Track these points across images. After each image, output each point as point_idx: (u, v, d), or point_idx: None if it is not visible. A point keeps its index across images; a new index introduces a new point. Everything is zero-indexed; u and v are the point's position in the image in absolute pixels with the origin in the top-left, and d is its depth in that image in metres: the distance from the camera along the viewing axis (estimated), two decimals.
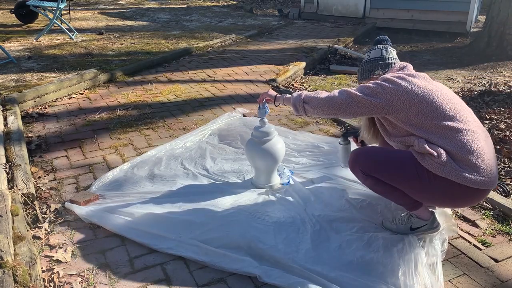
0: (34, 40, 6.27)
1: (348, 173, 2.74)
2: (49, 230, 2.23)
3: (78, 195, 2.49)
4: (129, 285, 1.89)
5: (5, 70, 4.79)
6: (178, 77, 4.98)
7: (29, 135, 3.35)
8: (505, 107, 4.22)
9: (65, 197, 2.53)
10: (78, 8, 9.86)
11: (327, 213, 2.33)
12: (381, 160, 2.05)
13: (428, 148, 1.88)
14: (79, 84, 4.41)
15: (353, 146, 2.56)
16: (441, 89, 2.04)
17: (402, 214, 2.21)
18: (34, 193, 2.43)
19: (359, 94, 2.01)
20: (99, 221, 2.25)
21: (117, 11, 9.79)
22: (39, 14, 7.25)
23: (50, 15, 6.52)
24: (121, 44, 6.31)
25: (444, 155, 1.87)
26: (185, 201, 2.44)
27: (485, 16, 7.51)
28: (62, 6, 6.50)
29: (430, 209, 2.18)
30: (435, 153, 1.87)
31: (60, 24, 6.68)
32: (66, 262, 2.01)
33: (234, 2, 12.02)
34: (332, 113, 2.09)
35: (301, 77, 5.41)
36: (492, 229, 2.31)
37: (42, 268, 1.95)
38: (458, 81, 5.37)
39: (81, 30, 7.16)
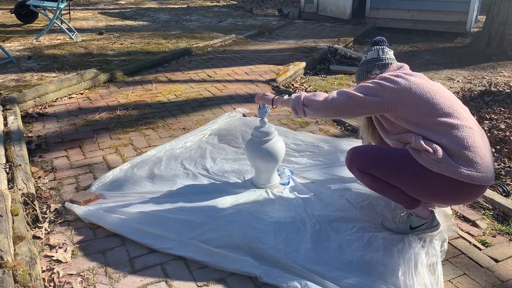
0: (34, 40, 6.27)
1: (348, 173, 2.73)
2: (49, 230, 2.23)
3: (78, 195, 2.49)
4: (129, 285, 1.89)
5: (5, 70, 4.79)
6: (178, 77, 4.99)
7: (29, 135, 3.35)
8: (505, 107, 4.22)
9: (65, 197, 2.53)
10: (78, 8, 9.86)
11: (327, 213, 2.33)
12: (377, 157, 2.06)
13: (424, 145, 1.90)
14: (79, 84, 4.41)
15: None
16: (438, 87, 2.07)
17: (402, 214, 2.22)
18: (34, 193, 2.43)
19: (359, 94, 2.03)
20: (99, 221, 2.25)
21: (117, 11, 9.79)
22: (39, 14, 7.26)
23: (50, 15, 6.52)
24: (121, 44, 6.31)
25: (440, 151, 1.88)
26: (185, 201, 2.44)
27: (485, 16, 7.51)
28: (62, 6, 6.50)
29: (430, 208, 2.18)
30: (431, 150, 1.88)
31: (60, 24, 6.68)
32: (66, 262, 2.01)
33: (234, 2, 12.02)
34: (333, 114, 2.11)
35: (301, 77, 5.41)
36: (492, 229, 2.31)
37: (42, 268, 1.95)
38: (458, 81, 5.37)
39: (81, 30, 7.16)
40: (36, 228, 2.23)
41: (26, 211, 2.28)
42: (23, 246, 1.96)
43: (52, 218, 2.32)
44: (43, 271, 1.93)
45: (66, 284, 1.88)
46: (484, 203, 2.51)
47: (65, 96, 4.22)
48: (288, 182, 2.65)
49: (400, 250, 2.03)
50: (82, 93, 4.34)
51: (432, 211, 2.16)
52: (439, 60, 6.45)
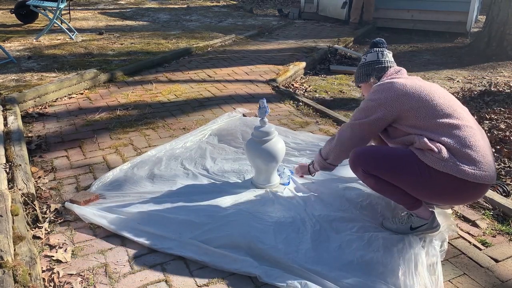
0: (34, 40, 6.27)
1: (348, 173, 2.74)
2: (49, 230, 2.23)
3: (78, 195, 2.49)
4: (129, 285, 1.89)
5: (5, 70, 4.79)
6: (178, 77, 4.99)
7: (29, 135, 3.35)
8: (505, 107, 4.22)
9: (65, 197, 2.53)
10: (78, 8, 9.86)
11: (327, 213, 2.33)
12: (381, 158, 2.06)
13: (429, 144, 1.91)
14: (79, 84, 4.41)
15: None
16: (436, 88, 2.08)
17: (402, 214, 2.22)
18: (34, 193, 2.43)
19: (359, 121, 2.11)
20: (99, 221, 2.25)
21: (117, 11, 9.79)
22: (39, 14, 7.25)
23: (50, 15, 6.52)
24: (121, 44, 6.31)
25: (444, 150, 1.89)
26: (185, 201, 2.44)
27: (485, 16, 7.51)
28: (62, 6, 6.50)
29: (430, 209, 2.18)
30: (435, 149, 1.90)
31: (60, 24, 6.68)
32: (66, 262, 2.01)
33: (234, 2, 12.02)
34: (351, 148, 2.17)
35: (301, 77, 5.41)
36: (492, 229, 2.31)
37: (42, 268, 1.95)
38: (458, 81, 5.37)
39: (81, 30, 7.16)
40: (36, 228, 2.23)
41: (26, 211, 2.28)
42: (23, 246, 1.96)
43: (52, 218, 2.32)
44: (43, 271, 1.93)
45: (66, 284, 1.88)
46: (484, 203, 2.51)
47: (65, 96, 4.22)
48: (288, 183, 2.65)
49: (400, 250, 2.03)
50: (82, 93, 4.34)
51: (433, 212, 2.16)
52: (439, 60, 6.45)
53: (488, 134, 3.59)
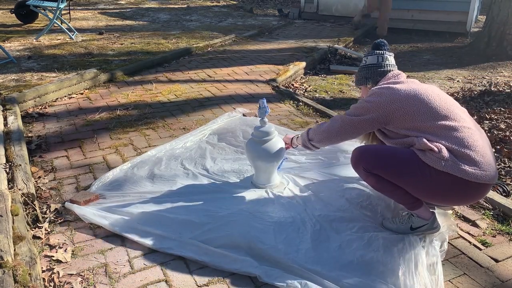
0: (34, 40, 6.27)
1: (348, 173, 2.74)
2: (49, 230, 2.23)
3: (78, 195, 2.49)
4: (129, 285, 1.89)
5: (5, 70, 4.79)
6: (178, 77, 4.99)
7: (29, 135, 3.35)
8: (505, 107, 4.22)
9: (65, 197, 2.53)
10: (78, 8, 9.86)
11: (327, 213, 2.33)
12: (383, 156, 2.07)
13: (429, 144, 1.92)
14: (79, 84, 4.41)
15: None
16: (433, 90, 2.10)
17: (403, 214, 2.22)
18: (34, 193, 2.43)
19: (351, 117, 2.14)
20: (99, 221, 2.25)
21: (117, 11, 9.79)
22: (39, 14, 7.25)
23: (50, 15, 6.52)
24: (121, 44, 6.31)
25: (444, 149, 1.91)
26: (185, 201, 2.44)
27: (485, 16, 7.51)
28: (62, 6, 6.50)
29: (431, 210, 2.18)
30: (435, 148, 1.91)
31: (60, 24, 6.68)
32: (66, 262, 2.01)
33: (234, 2, 12.02)
34: (335, 140, 2.25)
35: (301, 77, 5.41)
36: (492, 229, 2.31)
37: (42, 268, 1.95)
38: (458, 81, 5.37)
39: (81, 30, 7.16)
40: (36, 228, 2.23)
41: (26, 211, 2.28)
42: (23, 246, 1.96)
43: (52, 218, 2.32)
44: (43, 271, 1.93)
45: (66, 284, 1.88)
46: (484, 203, 2.51)
47: (65, 96, 4.22)
48: (282, 162, 2.73)
49: (400, 250, 2.03)
50: (82, 93, 4.34)
51: (433, 213, 2.17)
52: (439, 60, 6.45)
53: (488, 134, 3.59)
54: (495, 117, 3.96)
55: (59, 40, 6.38)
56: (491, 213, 2.44)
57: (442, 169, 1.89)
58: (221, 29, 7.83)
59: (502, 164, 3.14)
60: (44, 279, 1.88)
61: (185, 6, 10.95)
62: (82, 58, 5.42)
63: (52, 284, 1.87)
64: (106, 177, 2.69)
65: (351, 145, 3.13)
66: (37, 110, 3.87)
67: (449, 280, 1.95)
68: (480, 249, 2.16)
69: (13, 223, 2.09)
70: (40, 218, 2.29)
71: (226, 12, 10.27)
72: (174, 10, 10.27)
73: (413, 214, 2.15)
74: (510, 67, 6.08)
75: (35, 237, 2.16)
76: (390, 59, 2.33)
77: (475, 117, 3.99)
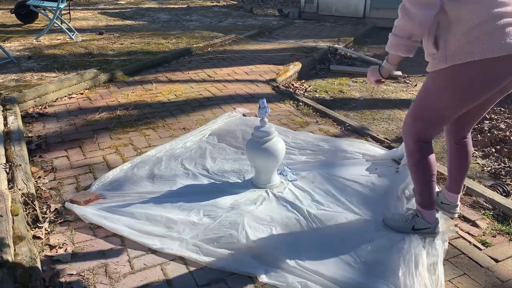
0: (34, 40, 6.27)
1: (348, 173, 2.74)
2: (49, 230, 2.23)
3: (78, 195, 2.49)
4: (129, 285, 1.89)
5: (5, 70, 4.79)
6: (178, 77, 4.98)
7: (29, 135, 3.35)
8: (505, 107, 4.22)
9: (65, 197, 2.53)
10: (78, 8, 9.86)
11: (327, 213, 2.33)
12: (416, 106, 2.06)
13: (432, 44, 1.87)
14: (79, 84, 4.41)
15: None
16: None
17: (407, 212, 2.22)
18: (34, 193, 2.43)
19: None
20: (99, 221, 2.25)
21: (117, 11, 9.79)
22: (39, 14, 7.25)
23: (50, 15, 6.52)
24: (121, 44, 6.31)
25: (442, 47, 1.84)
26: (185, 201, 2.44)
27: None
28: (62, 6, 6.50)
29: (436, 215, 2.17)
30: (434, 50, 1.87)
31: (60, 24, 6.68)
32: (66, 262, 2.01)
33: (234, 2, 12.02)
34: (412, 29, 1.91)
35: (301, 77, 5.41)
36: (492, 229, 2.31)
37: (42, 268, 1.95)
38: None
39: (81, 30, 7.16)
40: (36, 228, 2.23)
41: (26, 211, 2.28)
42: (23, 246, 1.96)
43: (52, 218, 2.32)
44: (43, 271, 1.93)
45: (66, 284, 1.88)
46: (484, 203, 2.51)
47: (65, 96, 4.22)
48: (296, 179, 2.66)
49: (400, 250, 2.03)
50: (82, 93, 4.34)
51: (437, 218, 2.16)
52: None
53: (488, 134, 3.59)
54: (495, 117, 3.96)
55: (59, 40, 6.38)
56: (491, 213, 2.44)
57: (446, 64, 1.83)
58: (221, 29, 7.83)
59: (502, 164, 3.14)
60: (44, 279, 1.88)
61: (185, 6, 10.94)
62: (82, 58, 5.41)
63: (52, 284, 1.87)
64: (106, 177, 2.69)
65: (351, 145, 3.14)
66: (37, 110, 3.87)
67: (449, 280, 1.95)
68: (480, 249, 2.16)
69: (13, 223, 2.08)
70: (40, 218, 2.29)
71: (226, 12, 10.27)
72: (174, 10, 10.27)
73: (418, 214, 2.14)
74: None
75: (35, 237, 2.16)
76: None
77: None
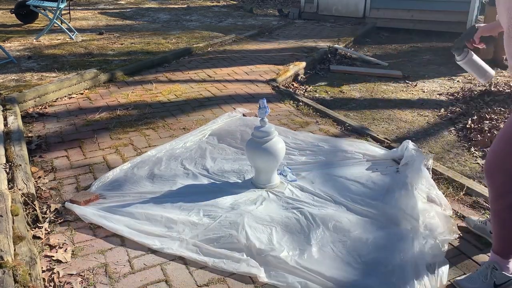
0: (34, 40, 6.27)
1: (348, 173, 2.74)
2: (49, 230, 2.23)
3: (78, 195, 2.49)
4: (129, 285, 1.89)
5: (5, 70, 4.79)
6: (178, 77, 4.98)
7: (29, 135, 3.35)
8: (505, 107, 4.22)
9: (65, 197, 2.53)
10: (78, 8, 9.86)
11: (328, 213, 2.33)
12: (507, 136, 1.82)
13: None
14: (79, 84, 4.41)
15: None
16: None
17: (482, 268, 1.92)
18: (34, 193, 2.43)
19: None
20: (99, 221, 2.25)
21: (117, 11, 9.79)
22: (39, 14, 7.25)
23: (50, 15, 6.52)
24: (121, 44, 6.30)
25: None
26: (185, 201, 2.44)
27: (484, 16, 7.50)
28: (62, 6, 6.50)
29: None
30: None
31: (60, 24, 6.67)
32: (66, 262, 2.01)
33: (234, 2, 12.02)
34: None
35: (301, 77, 5.40)
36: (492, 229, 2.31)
37: (42, 268, 1.95)
38: (458, 81, 5.37)
39: (81, 30, 7.16)
40: (36, 228, 2.23)
41: (26, 211, 2.28)
42: (23, 246, 1.96)
43: (52, 218, 2.32)
44: (43, 271, 1.93)
45: (66, 284, 1.88)
46: (484, 203, 2.51)
47: (65, 96, 4.22)
48: (296, 179, 2.66)
49: (401, 250, 2.03)
50: (82, 93, 4.34)
51: None
52: (439, 60, 6.44)
53: (488, 134, 3.59)
54: (495, 117, 3.96)
55: (59, 40, 6.38)
56: None
57: None
58: (221, 29, 7.83)
59: None
60: (44, 279, 1.88)
61: (185, 6, 10.94)
62: (82, 58, 5.41)
63: (52, 284, 1.87)
64: (106, 177, 2.68)
65: (351, 145, 3.14)
66: (37, 110, 3.87)
67: (449, 280, 1.95)
68: (480, 249, 2.16)
69: (13, 223, 2.08)
70: (40, 218, 2.29)
71: (226, 12, 10.27)
72: (174, 10, 10.26)
73: (496, 267, 1.86)
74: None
75: (35, 237, 2.16)
76: None
77: (475, 117, 3.99)
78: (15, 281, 1.73)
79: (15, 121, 3.32)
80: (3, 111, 3.51)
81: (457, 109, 4.31)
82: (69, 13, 8.09)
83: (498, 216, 1.84)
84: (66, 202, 2.43)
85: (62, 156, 3.04)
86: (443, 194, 2.54)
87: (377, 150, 3.07)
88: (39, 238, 2.16)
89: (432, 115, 4.22)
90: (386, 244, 2.08)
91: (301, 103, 4.16)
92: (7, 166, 2.64)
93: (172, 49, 6.03)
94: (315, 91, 4.90)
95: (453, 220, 2.36)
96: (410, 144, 2.91)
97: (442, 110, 4.33)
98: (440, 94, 4.86)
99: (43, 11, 6.81)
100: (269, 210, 2.37)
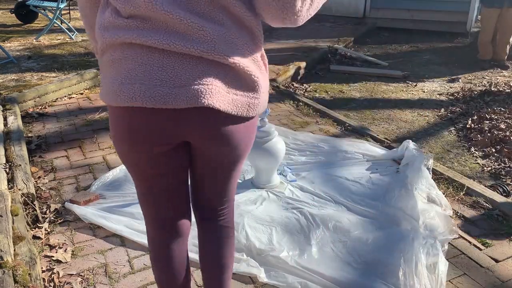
0: (34, 40, 6.27)
1: (348, 173, 2.74)
2: (49, 230, 2.23)
3: (78, 195, 2.49)
4: (129, 285, 1.89)
5: (5, 70, 4.79)
6: None
7: (29, 135, 3.35)
8: (505, 107, 4.22)
9: (65, 197, 2.53)
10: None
11: (328, 213, 2.33)
12: None
13: None
14: (79, 84, 4.41)
15: None
16: None
17: None
18: (34, 193, 2.43)
19: None
20: (99, 221, 2.25)
21: None
22: (39, 14, 7.25)
23: (50, 15, 6.52)
24: None
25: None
26: None
27: None
28: (62, 6, 6.50)
29: None
30: None
31: (60, 24, 6.67)
32: (66, 262, 2.01)
33: None
34: None
35: (301, 77, 5.40)
36: (492, 229, 2.31)
37: (42, 268, 1.95)
38: (458, 81, 5.37)
39: (81, 30, 7.15)
40: (36, 228, 2.23)
41: (26, 211, 2.28)
42: (23, 246, 1.96)
43: (52, 218, 2.32)
44: (43, 271, 1.93)
45: (66, 284, 1.88)
46: (484, 203, 2.51)
47: (65, 96, 4.22)
48: (296, 179, 2.66)
49: (401, 250, 2.03)
50: (82, 93, 4.34)
51: None
52: (439, 60, 6.44)
53: (488, 134, 3.59)
54: (495, 117, 3.96)
55: (59, 40, 6.38)
56: (491, 213, 2.44)
57: None
58: None
59: (502, 164, 3.14)
60: (44, 279, 1.88)
61: None
62: (82, 58, 5.41)
63: (52, 284, 1.87)
64: (106, 177, 2.68)
65: (351, 145, 3.14)
66: (37, 110, 3.87)
67: (449, 280, 1.95)
68: (480, 249, 2.16)
69: (13, 223, 2.08)
70: (40, 218, 2.29)
71: None
72: None
73: None
74: (510, 67, 6.07)
75: (35, 237, 2.16)
76: None
77: (475, 117, 3.99)
78: (15, 281, 1.73)
79: (15, 121, 3.32)
80: (3, 111, 3.51)
81: (457, 109, 4.31)
82: (69, 13, 8.09)
83: None
84: (66, 202, 2.43)
85: (62, 156, 3.04)
86: (443, 194, 2.54)
87: (377, 150, 3.07)
88: (39, 238, 2.16)
89: (432, 115, 4.22)
90: (386, 244, 2.08)
91: (301, 103, 4.16)
92: (7, 166, 2.64)
93: None
94: (315, 91, 4.89)
95: (453, 220, 2.36)
96: (410, 144, 2.91)
97: (442, 110, 4.33)
98: (440, 94, 4.86)
99: (43, 11, 6.81)
100: (269, 210, 2.37)
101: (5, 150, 2.86)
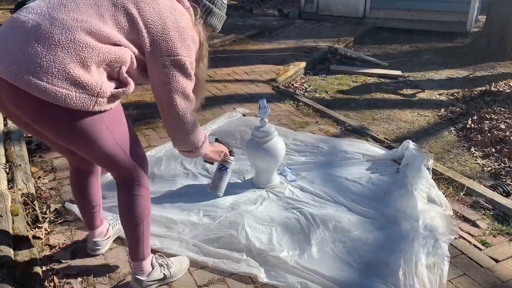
0: None
1: (348, 173, 2.74)
2: (49, 230, 2.23)
3: None
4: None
5: None
6: None
7: (29, 135, 3.35)
8: (505, 107, 4.22)
9: (65, 197, 2.53)
10: None
11: (327, 213, 2.33)
12: None
13: None
14: None
15: None
16: None
17: None
18: (34, 193, 2.43)
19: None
20: None
21: None
22: None
23: None
24: None
25: None
26: (185, 201, 2.43)
27: (485, 16, 7.51)
28: None
29: None
30: None
31: None
32: (66, 262, 2.01)
33: (234, 2, 12.01)
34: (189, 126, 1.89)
35: (301, 77, 5.41)
36: (492, 229, 2.31)
37: (42, 268, 1.95)
38: (458, 81, 5.37)
39: None
40: (36, 228, 2.23)
41: (26, 211, 2.27)
42: (23, 246, 1.96)
43: (52, 218, 2.32)
44: (43, 271, 1.93)
45: (66, 284, 1.88)
46: (484, 203, 2.51)
47: None
48: (295, 179, 2.66)
49: (401, 250, 2.02)
50: None
51: None
52: (439, 60, 6.45)
53: (488, 134, 3.59)
54: (495, 117, 3.96)
55: None
56: (491, 213, 2.44)
57: None
58: (221, 29, 7.82)
59: (502, 164, 3.15)
60: (44, 279, 1.88)
61: None
62: None
63: (52, 284, 1.87)
64: (106, 177, 2.68)
65: (351, 145, 3.14)
66: None
67: (449, 280, 1.95)
68: (480, 249, 2.16)
69: (13, 223, 2.08)
70: (40, 218, 2.29)
71: (226, 12, 10.26)
72: None
73: None
74: (510, 67, 6.07)
75: (35, 237, 2.16)
76: None
77: (475, 117, 3.99)
78: (15, 281, 1.73)
79: None
80: None
81: (457, 109, 4.31)
82: None
83: None
84: (66, 202, 2.42)
85: (62, 156, 3.03)
86: (443, 194, 2.54)
87: (377, 150, 3.07)
88: (39, 238, 2.16)
89: (432, 115, 4.22)
90: (386, 244, 2.08)
91: (301, 103, 4.16)
92: (7, 166, 2.64)
93: None
94: (315, 91, 4.90)
95: (453, 220, 2.36)
96: (410, 144, 2.91)
97: (442, 110, 4.34)
98: (440, 94, 4.86)
99: None
100: (269, 210, 2.37)
101: (5, 150, 2.86)
